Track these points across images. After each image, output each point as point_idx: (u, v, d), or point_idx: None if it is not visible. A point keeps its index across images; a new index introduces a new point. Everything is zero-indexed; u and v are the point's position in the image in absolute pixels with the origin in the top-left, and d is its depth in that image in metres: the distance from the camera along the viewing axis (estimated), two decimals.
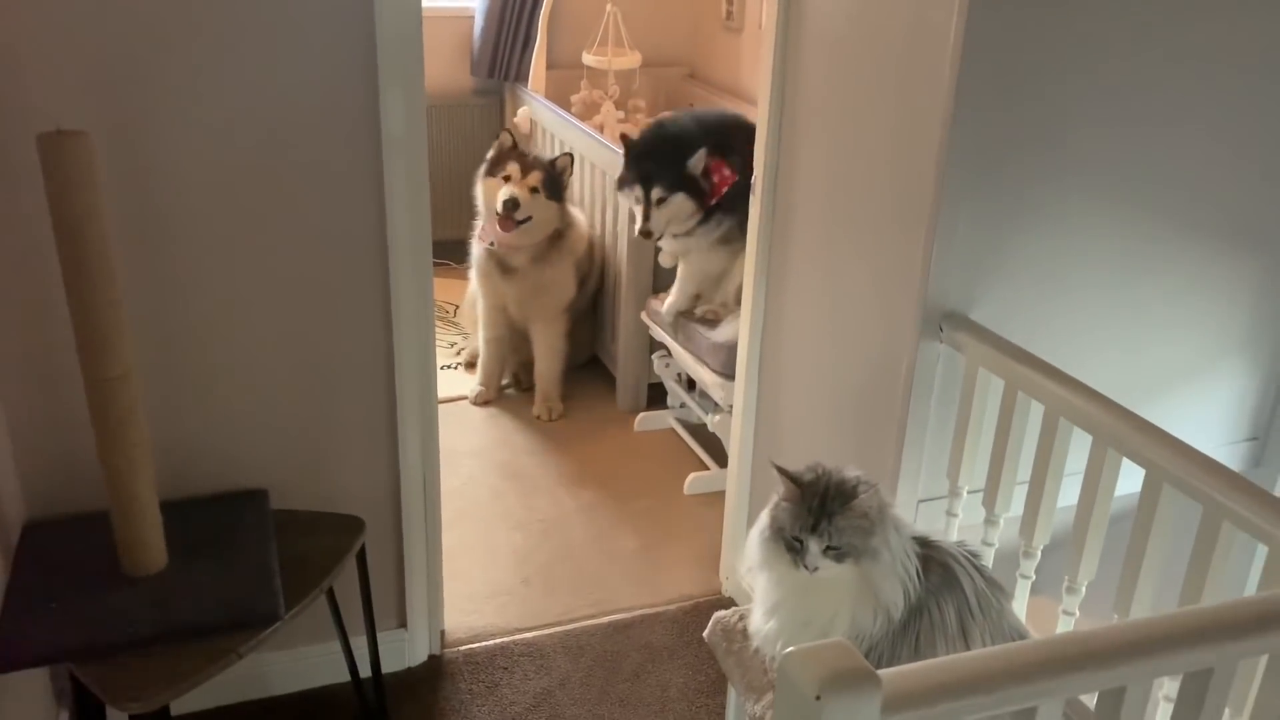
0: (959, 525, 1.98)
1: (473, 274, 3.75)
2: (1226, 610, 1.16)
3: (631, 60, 4.50)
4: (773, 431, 2.56)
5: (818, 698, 0.93)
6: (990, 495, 1.90)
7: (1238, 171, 2.08)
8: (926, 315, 1.92)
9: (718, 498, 3.12)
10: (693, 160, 3.09)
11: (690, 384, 3.58)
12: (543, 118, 4.39)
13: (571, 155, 3.64)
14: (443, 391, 2.47)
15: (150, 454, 1.82)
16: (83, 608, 1.79)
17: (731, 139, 3.21)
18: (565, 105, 4.45)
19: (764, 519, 1.59)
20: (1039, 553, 1.84)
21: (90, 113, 1.84)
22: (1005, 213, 1.93)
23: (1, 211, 1.87)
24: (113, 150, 1.87)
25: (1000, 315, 1.95)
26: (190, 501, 2.09)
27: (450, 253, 4.04)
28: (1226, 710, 1.28)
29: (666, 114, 3.55)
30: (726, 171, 3.16)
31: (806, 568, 1.48)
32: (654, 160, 3.17)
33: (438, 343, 2.34)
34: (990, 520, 1.92)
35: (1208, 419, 2.27)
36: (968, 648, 1.51)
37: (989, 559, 1.81)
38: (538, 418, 3.71)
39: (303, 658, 2.38)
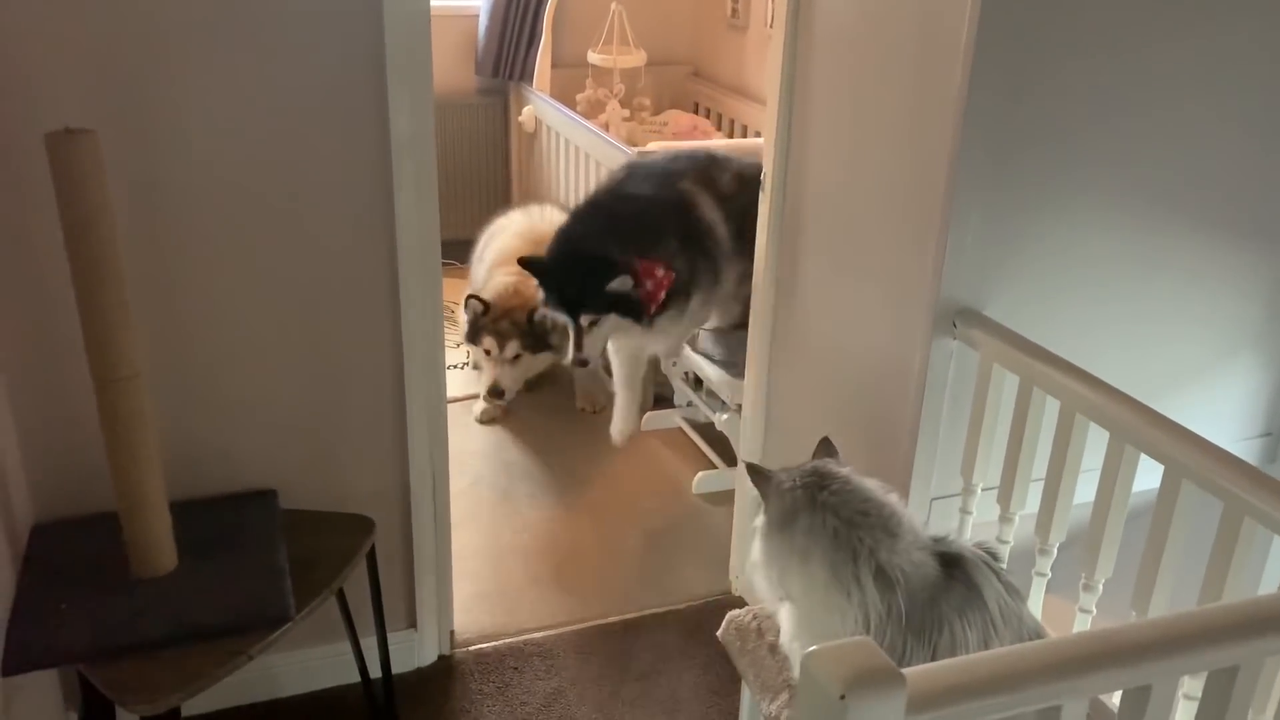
0: (973, 523, 1.97)
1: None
2: (1254, 606, 1.15)
3: (636, 59, 4.49)
4: (781, 430, 2.55)
5: (842, 697, 0.92)
6: (1005, 492, 1.89)
7: (1252, 166, 2.06)
8: (939, 311, 1.91)
9: (726, 496, 3.11)
10: (614, 284, 2.75)
11: (697, 383, 3.57)
12: (547, 117, 4.38)
13: (535, 307, 3.36)
14: (450, 391, 2.46)
15: (159, 455, 1.81)
16: (92, 609, 1.78)
17: (663, 222, 2.90)
18: (570, 104, 4.44)
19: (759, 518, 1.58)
20: (1055, 550, 1.83)
21: (98, 112, 1.83)
22: (1018, 208, 1.92)
23: (10, 211, 1.86)
24: (121, 150, 1.86)
25: (1012, 311, 1.94)
26: (199, 502, 2.08)
27: (455, 253, 4.02)
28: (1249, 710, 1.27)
29: (582, 205, 3.15)
30: (661, 273, 2.78)
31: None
32: (572, 282, 2.84)
33: (445, 342, 2.32)
34: (1005, 518, 1.90)
35: (1221, 415, 2.26)
36: None
37: (1004, 556, 1.79)
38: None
39: (312, 658, 2.37)
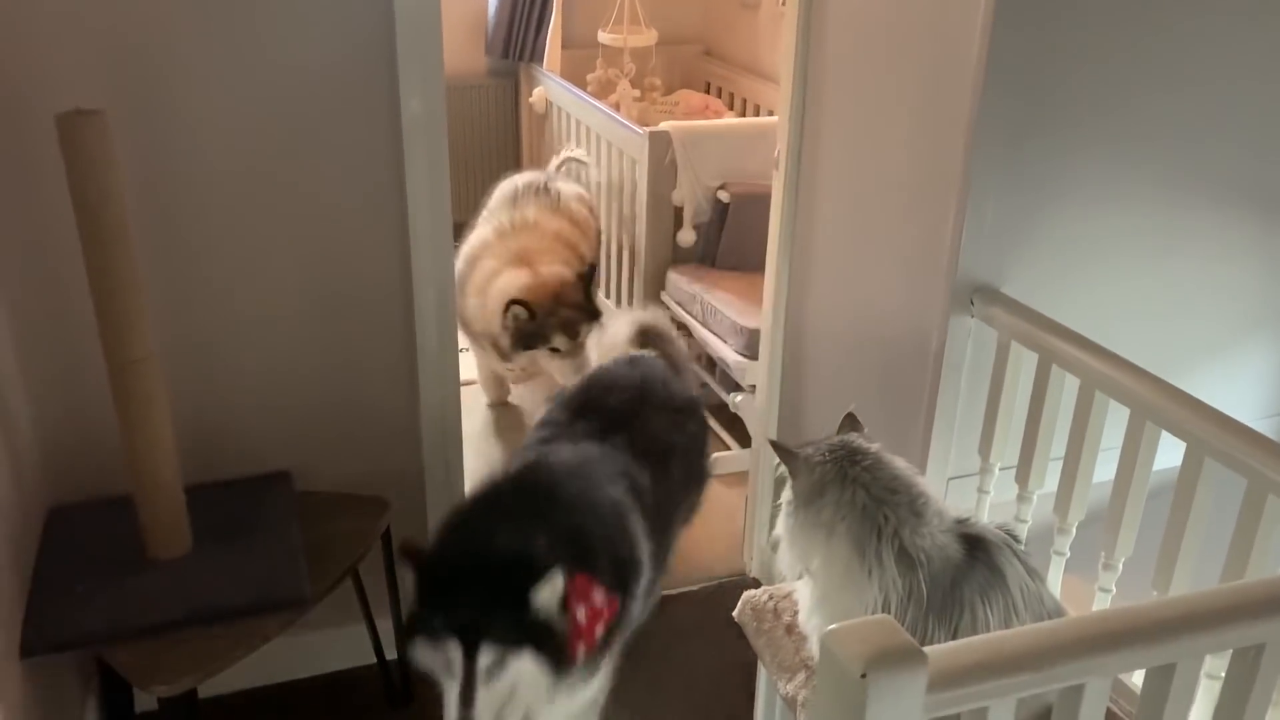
0: (990, 503, 1.96)
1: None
2: (1278, 584, 1.13)
3: (647, 38, 4.46)
4: (796, 411, 2.53)
5: (863, 675, 0.91)
6: (1024, 471, 1.87)
7: (1270, 140, 2.03)
8: (957, 289, 1.89)
9: (741, 478, 3.09)
10: (542, 593, 1.58)
11: (711, 364, 3.56)
12: (558, 97, 4.35)
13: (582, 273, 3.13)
14: (462, 375, 2.45)
15: (173, 437, 1.81)
16: (109, 592, 1.78)
17: (612, 529, 1.79)
18: (581, 84, 4.41)
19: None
20: (1074, 529, 1.81)
21: (109, 92, 1.82)
22: (1035, 185, 1.90)
23: (23, 193, 1.85)
24: (133, 130, 1.85)
25: (1030, 289, 1.92)
26: (214, 485, 2.08)
27: (463, 236, 4.02)
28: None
29: (483, 486, 1.87)
30: (600, 599, 1.65)
31: None
32: (472, 594, 1.60)
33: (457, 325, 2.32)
34: (1023, 497, 1.89)
35: (1241, 392, 2.23)
36: None
37: (1023, 537, 1.78)
38: None
39: (328, 640, 2.37)
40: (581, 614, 1.63)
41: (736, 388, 3.31)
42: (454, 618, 1.58)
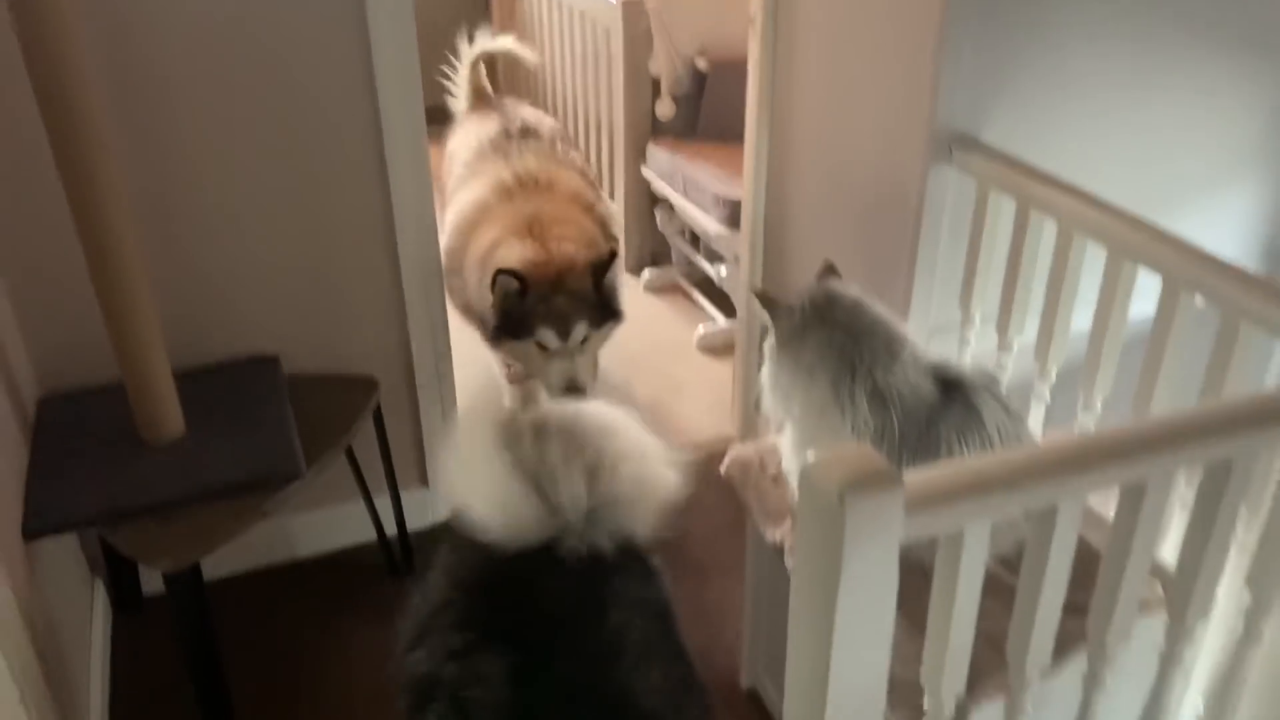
0: (971, 353, 1.98)
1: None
2: (1247, 401, 1.16)
3: None
4: (780, 277, 2.53)
5: (841, 498, 0.93)
6: (1004, 319, 1.89)
7: None
8: (935, 138, 1.87)
9: (727, 349, 3.12)
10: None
11: (694, 239, 3.54)
12: None
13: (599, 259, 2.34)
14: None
15: (157, 320, 1.81)
16: (106, 475, 1.81)
17: None
18: None
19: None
20: (1054, 373, 1.84)
21: None
22: (1012, 28, 1.86)
23: None
24: (93, 14, 1.80)
25: (1009, 135, 1.90)
26: (203, 369, 2.09)
27: (437, 119, 3.94)
28: (1242, 508, 1.29)
29: None
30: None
31: None
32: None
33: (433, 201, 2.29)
34: (1004, 346, 1.91)
35: (1220, 233, 2.24)
36: None
37: (1003, 382, 1.80)
38: None
39: (328, 519, 2.42)
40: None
41: (719, 259, 3.31)
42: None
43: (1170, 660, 1.26)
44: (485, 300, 2.30)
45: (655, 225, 3.73)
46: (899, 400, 1.42)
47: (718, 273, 3.31)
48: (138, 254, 1.74)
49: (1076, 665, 1.30)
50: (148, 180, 1.98)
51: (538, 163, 2.59)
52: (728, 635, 2.26)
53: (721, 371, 3.16)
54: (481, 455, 1.31)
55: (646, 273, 3.71)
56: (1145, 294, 1.62)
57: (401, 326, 2.30)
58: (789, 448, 1.58)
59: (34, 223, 1.92)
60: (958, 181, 1.91)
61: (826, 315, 1.50)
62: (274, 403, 2.01)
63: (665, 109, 3.53)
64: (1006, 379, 1.89)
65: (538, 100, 4.29)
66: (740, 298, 2.78)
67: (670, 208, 3.55)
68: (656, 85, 3.52)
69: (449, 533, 1.38)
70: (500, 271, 2.21)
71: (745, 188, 2.55)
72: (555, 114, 4.02)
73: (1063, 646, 1.39)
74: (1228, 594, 1.36)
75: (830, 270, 1.65)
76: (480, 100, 3.11)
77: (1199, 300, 1.51)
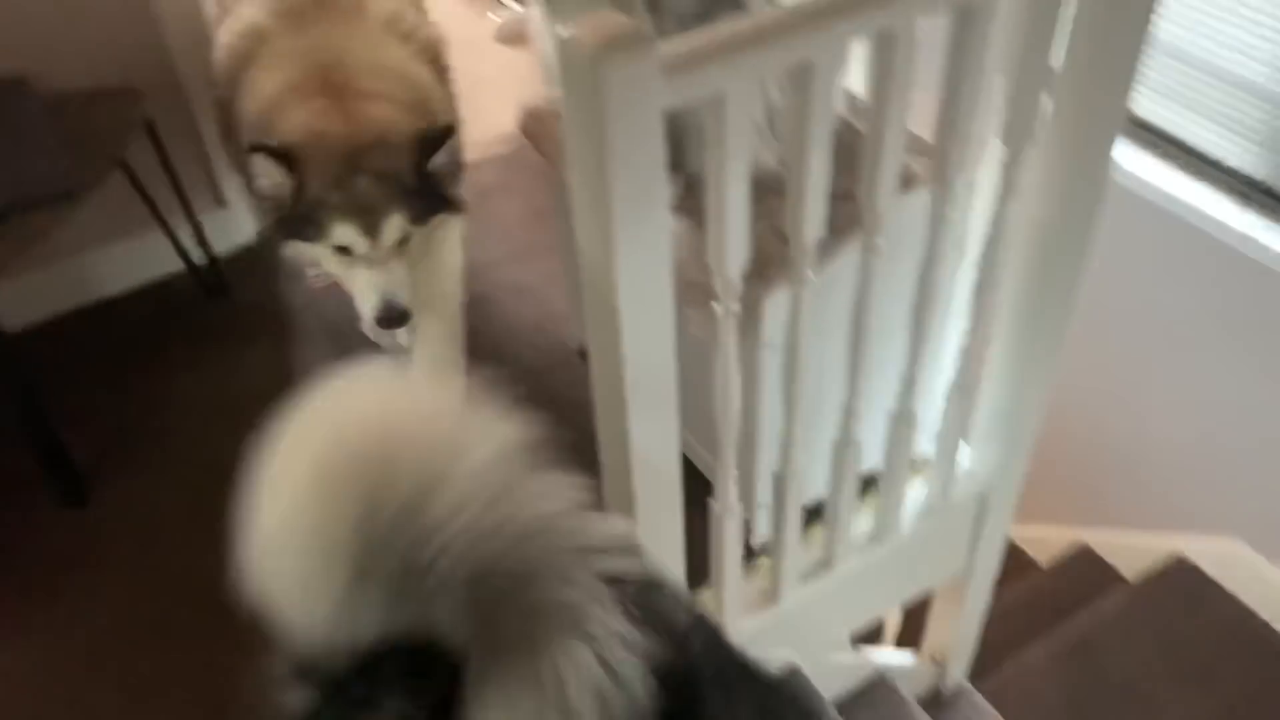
0: None
1: None
2: None
3: None
4: None
5: (595, 63, 0.93)
6: None
7: None
8: None
9: (526, 40, 3.01)
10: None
11: None
12: None
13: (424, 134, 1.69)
14: None
15: None
16: None
17: None
18: None
19: None
20: None
21: None
22: None
23: None
24: None
25: None
26: None
27: None
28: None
29: None
30: None
31: None
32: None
33: None
34: None
35: None
36: None
37: None
38: None
39: (131, 252, 2.32)
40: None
41: None
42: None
43: (938, 220, 1.35)
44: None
45: None
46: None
47: None
48: None
49: (856, 248, 1.38)
50: None
51: None
52: (558, 306, 2.33)
53: (522, 62, 3.06)
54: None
55: None
56: None
57: (154, 28, 2.12)
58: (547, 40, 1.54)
59: None
60: None
61: None
62: (34, 125, 1.86)
63: None
64: None
65: None
66: None
67: None
68: None
69: None
70: (256, 147, 1.55)
71: None
72: None
73: (841, 232, 1.49)
74: (990, 160, 1.46)
75: None
76: None
77: None
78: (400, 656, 0.71)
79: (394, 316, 1.67)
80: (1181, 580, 2.74)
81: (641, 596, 0.76)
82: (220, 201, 2.39)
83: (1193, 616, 2.64)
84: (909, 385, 1.55)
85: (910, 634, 2.35)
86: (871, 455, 1.66)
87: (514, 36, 3.20)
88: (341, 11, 1.74)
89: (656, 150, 1.01)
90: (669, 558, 1.38)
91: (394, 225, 1.63)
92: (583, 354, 2.21)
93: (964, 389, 1.62)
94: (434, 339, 1.83)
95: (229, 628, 0.83)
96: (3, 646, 1.76)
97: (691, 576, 1.58)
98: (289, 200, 1.58)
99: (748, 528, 1.70)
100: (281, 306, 2.35)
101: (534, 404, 0.74)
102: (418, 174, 1.63)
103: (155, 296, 2.36)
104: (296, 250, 1.68)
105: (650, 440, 1.22)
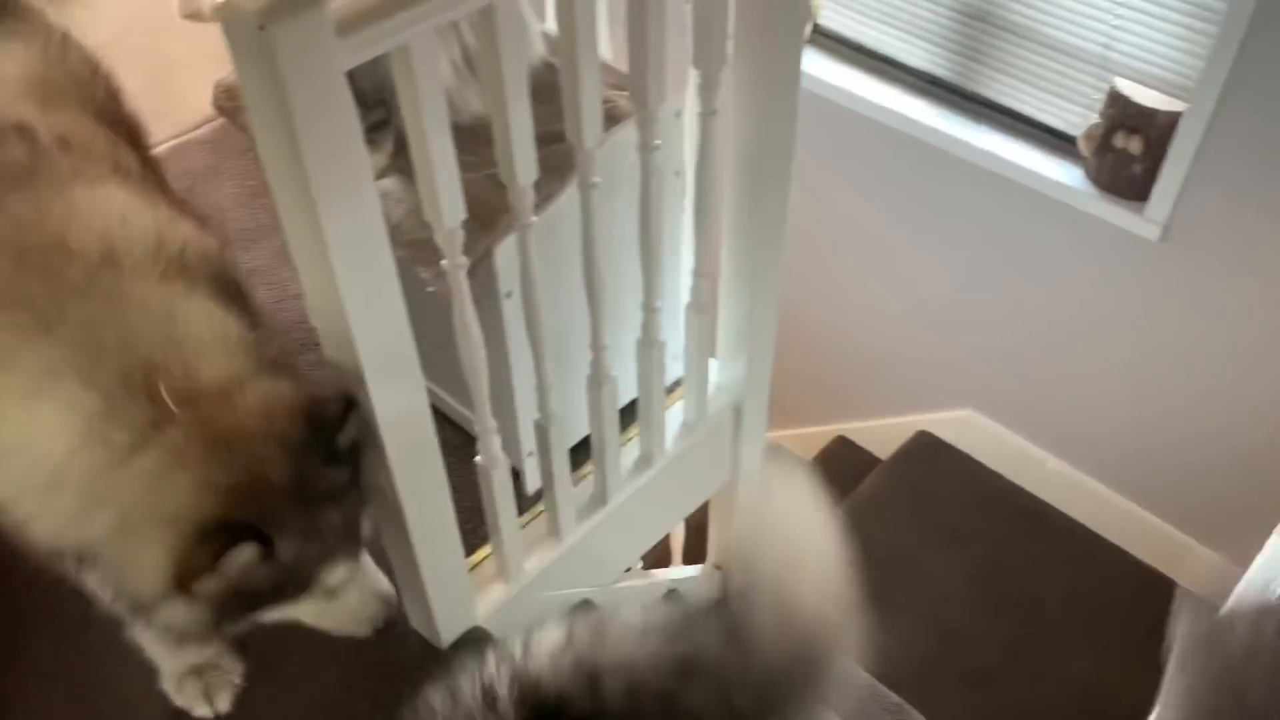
0: None
1: None
2: None
3: None
4: None
5: (261, 28, 0.89)
6: None
7: None
8: None
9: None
10: None
11: None
12: None
13: None
14: None
15: None
16: None
17: None
18: None
19: None
20: None
21: None
22: None
23: None
24: None
25: None
26: None
27: None
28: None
29: None
30: None
31: None
32: None
33: None
34: None
35: None
36: None
37: None
38: None
39: None
40: None
41: None
42: None
43: (647, 150, 1.39)
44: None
45: None
46: None
47: None
48: None
49: (575, 190, 1.40)
50: None
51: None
52: (293, 284, 2.23)
53: (214, 37, 2.88)
54: None
55: None
56: None
57: None
58: None
59: None
60: None
61: None
62: None
63: None
64: None
65: None
66: None
67: None
68: None
69: None
70: (214, 538, 1.04)
71: None
72: None
73: (561, 172, 1.50)
74: (692, 87, 1.51)
75: None
76: None
77: None
78: None
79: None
80: (926, 452, 2.99)
81: None
82: None
83: (940, 483, 2.89)
84: (651, 313, 1.59)
85: (696, 549, 2.45)
86: (629, 386, 1.71)
87: (195, 11, 3.00)
88: (89, 284, 1.08)
89: (346, 113, 0.98)
90: (439, 519, 1.37)
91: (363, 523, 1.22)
92: None
93: (700, 308, 1.69)
94: None
95: None
96: None
97: (473, 530, 1.59)
98: (244, 582, 1.08)
99: (519, 476, 1.71)
100: None
101: None
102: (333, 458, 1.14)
103: None
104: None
105: (396, 408, 1.20)
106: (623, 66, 1.39)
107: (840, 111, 2.69)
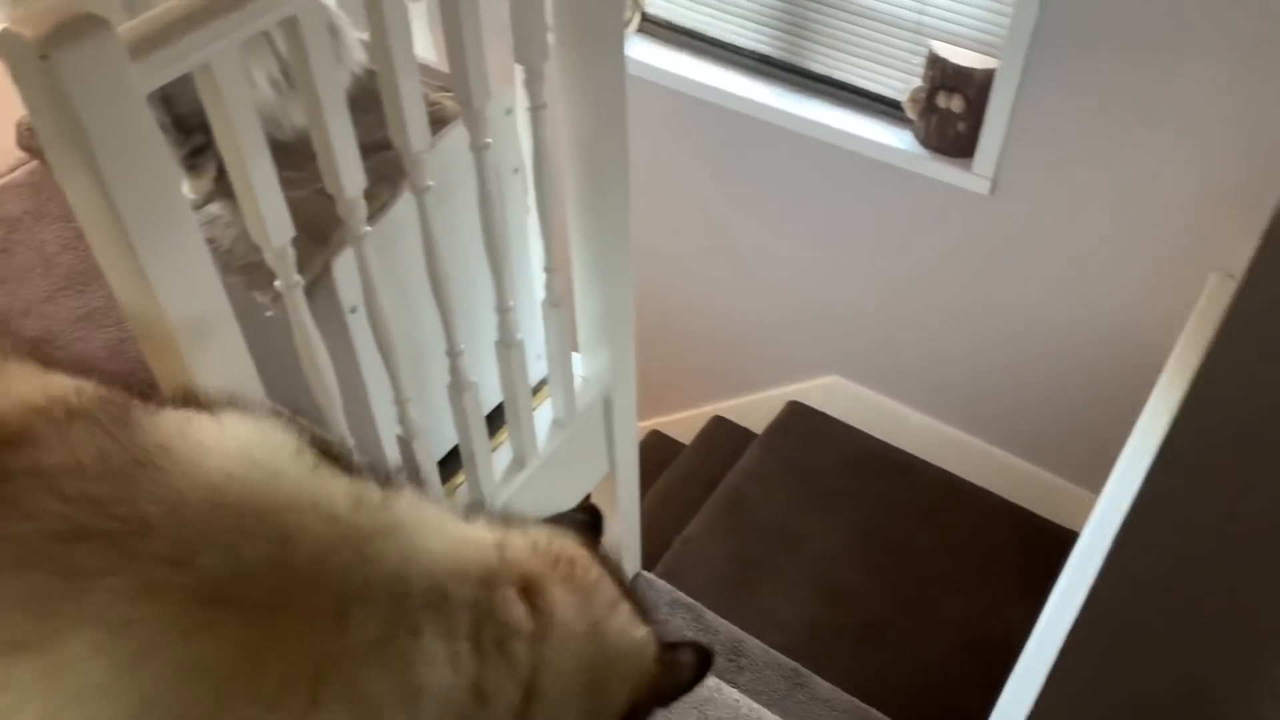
0: None
1: None
2: None
3: None
4: None
5: (44, 57, 0.85)
6: None
7: None
8: None
9: None
10: None
11: None
12: None
13: None
14: None
15: None
16: None
17: None
18: None
19: None
20: None
21: None
22: None
23: None
24: None
25: None
26: None
27: None
28: None
29: None
30: None
31: None
32: None
33: None
34: None
35: None
36: None
37: None
38: None
39: None
40: None
41: None
42: None
43: (478, 148, 1.37)
44: None
45: None
46: None
47: None
48: None
49: (410, 196, 1.38)
50: None
51: None
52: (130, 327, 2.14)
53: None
54: None
55: None
56: None
57: None
58: None
59: None
60: None
61: None
62: None
63: None
64: None
65: None
66: None
67: None
68: None
69: None
70: None
71: None
72: None
73: (394, 181, 1.48)
74: (519, 82, 1.51)
75: None
76: None
77: None
78: None
79: None
80: (797, 421, 3.06)
81: None
82: None
83: (813, 450, 2.97)
84: (504, 314, 1.58)
85: None
86: (494, 391, 1.70)
87: None
88: None
89: (152, 140, 0.94)
90: None
91: None
92: None
93: (555, 303, 1.69)
94: None
95: None
96: None
97: None
98: None
99: None
100: None
101: None
102: None
103: None
104: None
105: None
106: (445, 67, 1.37)
107: (679, 98, 2.72)
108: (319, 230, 1.41)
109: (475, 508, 0.86)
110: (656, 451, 3.28)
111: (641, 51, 2.70)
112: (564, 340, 1.76)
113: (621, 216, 1.67)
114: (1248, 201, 2.10)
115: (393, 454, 1.63)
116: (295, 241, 1.16)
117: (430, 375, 1.58)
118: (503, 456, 1.79)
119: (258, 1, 0.99)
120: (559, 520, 0.93)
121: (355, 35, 1.56)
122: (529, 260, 1.77)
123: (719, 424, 3.33)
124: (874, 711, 2.30)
